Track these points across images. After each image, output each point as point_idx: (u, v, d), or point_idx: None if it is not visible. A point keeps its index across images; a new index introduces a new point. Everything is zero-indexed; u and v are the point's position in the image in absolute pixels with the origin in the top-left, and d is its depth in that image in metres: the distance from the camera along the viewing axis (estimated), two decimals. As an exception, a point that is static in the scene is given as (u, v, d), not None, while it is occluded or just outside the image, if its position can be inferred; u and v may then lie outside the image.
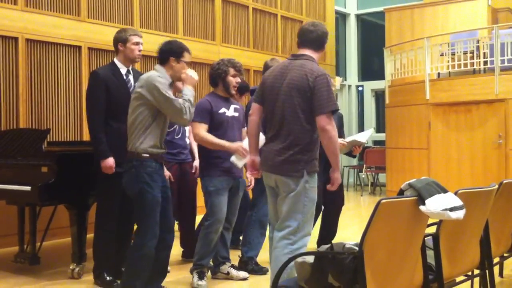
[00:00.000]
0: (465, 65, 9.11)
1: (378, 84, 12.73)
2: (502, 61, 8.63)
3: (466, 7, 10.65)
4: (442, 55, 9.68)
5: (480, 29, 9.85)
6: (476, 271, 3.57)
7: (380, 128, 13.26)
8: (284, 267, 2.94)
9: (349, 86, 13.59)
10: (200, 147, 4.61)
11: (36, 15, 6.46)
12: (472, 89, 8.93)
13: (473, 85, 8.96)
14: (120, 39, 4.35)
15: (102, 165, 4.21)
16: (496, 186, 3.47)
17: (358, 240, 2.58)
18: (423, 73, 9.46)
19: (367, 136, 5.27)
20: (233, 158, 4.21)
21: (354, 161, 12.96)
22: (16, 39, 6.26)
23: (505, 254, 4.18)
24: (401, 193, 2.87)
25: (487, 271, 3.57)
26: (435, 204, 2.70)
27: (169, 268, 4.48)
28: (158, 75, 3.71)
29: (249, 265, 4.85)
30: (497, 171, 8.60)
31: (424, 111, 9.43)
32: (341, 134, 4.86)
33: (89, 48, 6.95)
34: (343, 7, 13.55)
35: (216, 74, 4.54)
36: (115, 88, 4.30)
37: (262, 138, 3.79)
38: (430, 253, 3.03)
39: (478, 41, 9.31)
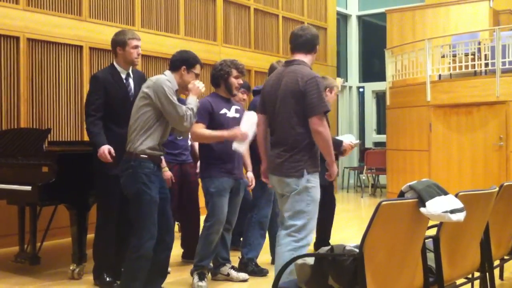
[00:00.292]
0: (466, 67, 9.10)
1: (379, 86, 12.73)
2: (503, 63, 8.62)
3: (468, 9, 10.64)
4: (443, 56, 9.68)
5: (481, 31, 9.85)
6: (477, 274, 3.57)
7: (380, 129, 13.26)
8: (286, 267, 2.95)
9: (350, 87, 13.59)
10: (200, 148, 4.61)
11: (38, 14, 6.46)
12: (473, 91, 8.93)
13: (474, 87, 8.95)
14: (119, 43, 4.33)
15: (98, 154, 4.21)
16: (497, 189, 3.48)
17: (358, 241, 2.58)
18: (424, 75, 9.45)
19: (349, 138, 5.25)
20: (235, 145, 4.22)
21: (355, 163, 12.96)
22: (17, 38, 6.26)
23: (506, 257, 4.17)
24: (401, 195, 2.87)
25: (487, 273, 3.57)
26: (435, 206, 2.71)
27: (169, 269, 4.47)
28: (167, 79, 3.77)
29: (249, 267, 4.84)
30: (498, 173, 8.60)
31: (425, 112, 9.42)
32: None
33: (90, 48, 6.95)
34: (344, 8, 13.55)
35: (219, 75, 4.53)
36: (114, 92, 4.32)
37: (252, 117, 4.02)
38: (430, 255, 3.03)
39: (479, 43, 9.31)
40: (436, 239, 3.03)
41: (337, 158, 4.58)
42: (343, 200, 10.60)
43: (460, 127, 9.09)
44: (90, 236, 4.58)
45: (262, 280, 4.72)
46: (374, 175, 11.55)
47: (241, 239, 5.18)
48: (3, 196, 4.96)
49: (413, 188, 2.81)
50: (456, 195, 2.93)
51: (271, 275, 4.31)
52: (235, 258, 4.94)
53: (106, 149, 4.18)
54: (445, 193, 2.83)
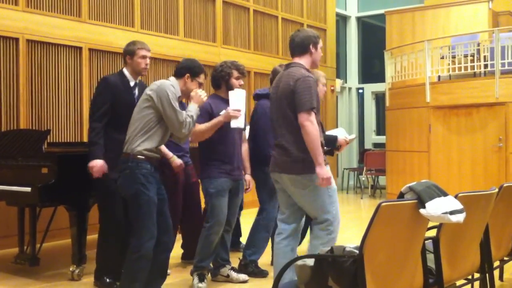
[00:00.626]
0: (466, 68, 9.11)
1: (378, 87, 12.73)
2: (503, 64, 8.63)
3: (467, 10, 10.65)
4: (442, 58, 9.68)
5: (480, 32, 9.85)
6: (476, 275, 3.58)
7: (380, 130, 13.27)
8: (286, 267, 2.96)
9: (350, 89, 13.59)
10: (200, 149, 4.60)
11: (37, 15, 6.46)
12: (472, 92, 8.93)
13: (473, 88, 8.96)
14: (129, 52, 4.44)
15: (89, 165, 4.26)
16: (497, 190, 3.48)
17: (358, 243, 2.58)
18: (423, 76, 9.45)
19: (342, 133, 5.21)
20: (232, 123, 4.29)
21: (354, 164, 12.97)
22: (16, 39, 6.26)
23: (505, 258, 4.18)
24: (401, 196, 2.87)
25: (487, 274, 3.57)
26: (435, 208, 2.71)
27: (169, 270, 4.47)
28: (171, 84, 3.82)
29: (250, 268, 4.84)
30: (497, 175, 8.60)
31: (424, 114, 9.43)
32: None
33: (90, 49, 6.95)
34: (344, 9, 13.55)
35: (220, 76, 4.54)
36: (121, 98, 4.36)
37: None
38: (430, 257, 3.03)
39: (478, 44, 9.31)
40: (436, 240, 3.03)
41: (332, 154, 4.59)
42: (343, 201, 10.59)
43: (460, 128, 9.10)
44: (90, 237, 4.57)
45: (262, 281, 4.72)
46: (373, 176, 11.55)
47: (241, 240, 5.18)
48: (2, 197, 4.96)
49: (412, 189, 2.81)
50: (456, 196, 2.94)
51: (271, 276, 4.31)
52: (235, 259, 4.94)
53: (99, 165, 4.26)
54: (445, 194, 2.83)
